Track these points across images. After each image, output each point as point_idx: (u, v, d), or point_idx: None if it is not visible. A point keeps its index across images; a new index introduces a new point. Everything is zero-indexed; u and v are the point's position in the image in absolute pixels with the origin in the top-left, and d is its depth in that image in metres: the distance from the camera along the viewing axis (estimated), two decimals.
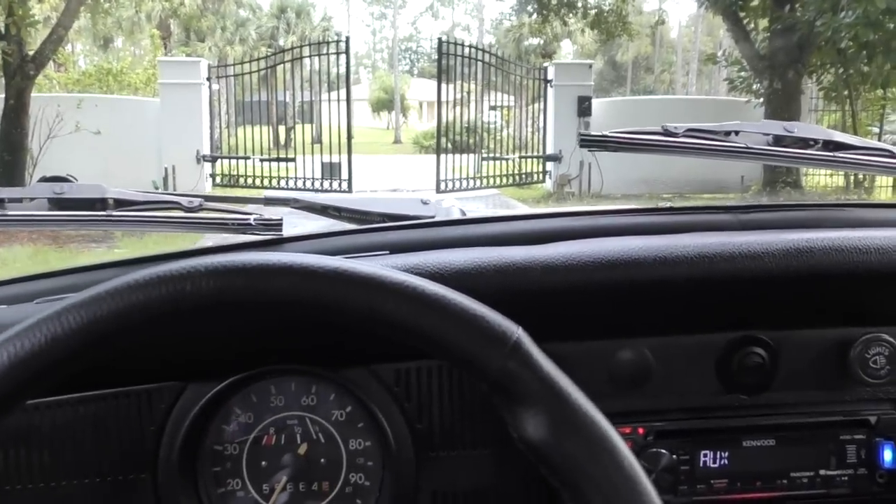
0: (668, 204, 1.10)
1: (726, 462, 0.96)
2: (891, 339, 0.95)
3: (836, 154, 1.13)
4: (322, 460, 0.94)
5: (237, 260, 0.62)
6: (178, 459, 0.90)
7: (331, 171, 14.16)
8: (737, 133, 1.11)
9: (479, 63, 14.61)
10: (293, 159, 14.25)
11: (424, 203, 1.24)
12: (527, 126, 15.68)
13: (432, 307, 0.62)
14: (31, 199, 1.07)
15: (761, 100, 14.41)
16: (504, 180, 14.98)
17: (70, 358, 0.59)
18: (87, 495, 0.90)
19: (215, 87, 14.79)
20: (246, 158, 14.55)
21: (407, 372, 0.92)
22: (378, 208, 1.20)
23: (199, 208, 1.09)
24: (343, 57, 14.14)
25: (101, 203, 1.07)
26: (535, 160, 15.26)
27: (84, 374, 0.61)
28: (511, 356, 0.61)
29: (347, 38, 14.26)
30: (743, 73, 15.06)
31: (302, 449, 0.93)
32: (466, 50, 14.63)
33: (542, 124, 15.45)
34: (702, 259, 0.89)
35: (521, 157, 15.19)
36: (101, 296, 0.60)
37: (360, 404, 0.93)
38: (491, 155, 15.00)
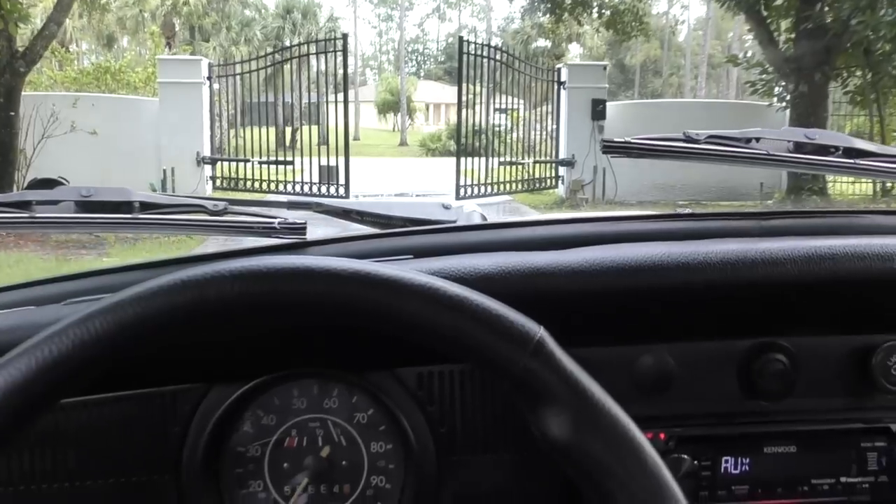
0: (689, 210, 1.14)
1: (748, 468, 0.99)
2: None
3: (858, 161, 1.17)
4: (343, 462, 0.97)
5: (259, 264, 0.65)
6: (201, 461, 0.93)
7: (328, 175, 14.08)
8: (758, 140, 1.15)
9: (498, 63, 14.58)
10: (291, 162, 14.23)
11: (446, 207, 1.29)
12: (542, 129, 15.63)
13: (454, 308, 0.65)
14: (59, 201, 1.12)
15: (783, 104, 14.32)
16: (518, 186, 14.95)
17: (96, 362, 0.62)
18: (110, 496, 0.93)
19: (216, 86, 14.80)
20: (246, 161, 14.55)
21: (430, 375, 0.96)
22: (400, 212, 1.24)
23: (224, 212, 1.13)
24: (342, 55, 14.11)
25: (126, 206, 1.11)
26: (547, 165, 15.24)
27: (108, 375, 0.64)
28: (534, 356, 0.64)
29: (345, 36, 14.17)
30: (764, 76, 14.98)
31: (324, 451, 0.97)
32: (485, 49, 14.57)
33: (554, 127, 15.42)
34: (724, 265, 0.92)
35: (535, 162, 15.17)
36: (126, 300, 0.63)
37: (383, 407, 0.97)
38: (508, 160, 14.95)
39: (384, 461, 0.98)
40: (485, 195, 14.43)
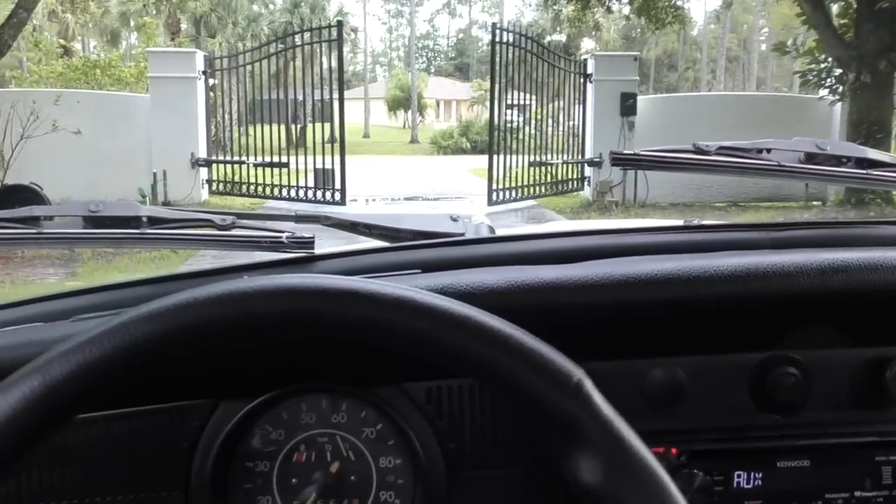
0: (698, 222, 1.22)
1: (760, 483, 1.06)
2: None
3: (871, 172, 1.25)
4: (352, 477, 1.05)
5: (304, 282, 0.71)
6: (210, 476, 1.01)
7: (324, 178, 13.98)
8: (769, 150, 1.23)
9: (530, 54, 14.47)
10: (286, 164, 14.14)
11: (454, 220, 1.37)
12: (567, 126, 15.47)
13: (495, 342, 0.69)
14: (66, 216, 1.21)
15: (836, 96, 14.03)
16: (548, 188, 14.86)
17: (106, 382, 0.68)
18: None
19: (212, 81, 14.78)
20: (241, 163, 14.54)
21: (438, 390, 1.03)
22: (408, 225, 1.32)
23: (232, 226, 1.22)
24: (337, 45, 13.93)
25: (135, 220, 1.20)
26: (572, 166, 15.14)
27: (118, 391, 0.69)
28: (572, 398, 0.69)
29: (340, 23, 14.08)
30: (814, 66, 14.70)
31: (333, 466, 1.05)
32: (519, 39, 14.45)
33: (575, 124, 15.31)
34: (735, 278, 0.99)
35: (564, 163, 15.07)
36: (140, 318, 0.69)
37: (391, 422, 1.04)
38: (537, 159, 14.80)
39: (393, 476, 1.05)
40: (517, 199, 14.33)
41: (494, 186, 14.05)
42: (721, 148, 1.23)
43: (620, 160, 1.19)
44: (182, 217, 1.24)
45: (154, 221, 1.22)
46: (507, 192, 14.29)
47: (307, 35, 14.66)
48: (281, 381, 1.04)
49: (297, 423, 1.06)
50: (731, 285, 0.99)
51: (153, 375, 0.70)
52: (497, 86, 14.12)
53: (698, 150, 1.22)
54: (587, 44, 48.77)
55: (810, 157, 1.25)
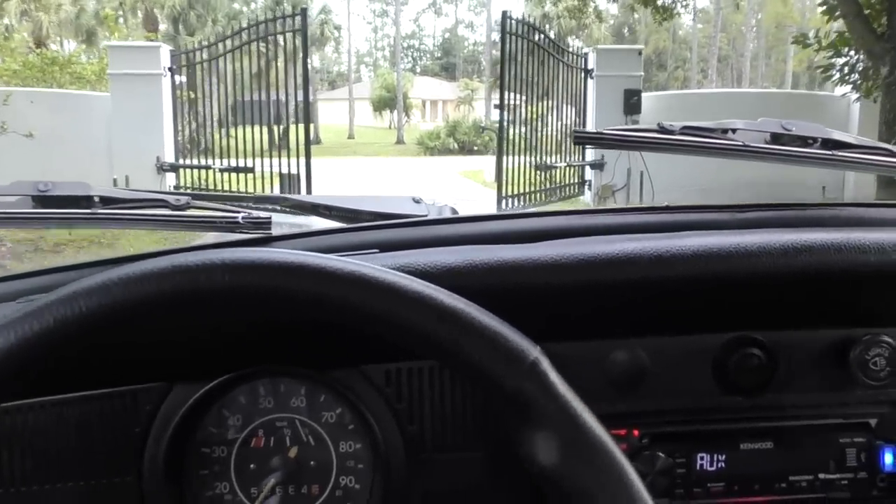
0: (666, 203, 1.29)
1: (723, 465, 1.13)
2: (891, 341, 1.12)
3: (836, 153, 1.32)
4: (312, 463, 1.11)
5: (261, 257, 0.74)
6: (163, 462, 1.06)
7: (289, 184, 13.85)
8: (734, 131, 1.30)
9: (537, 47, 14.31)
10: (252, 170, 13.93)
11: (416, 202, 1.43)
12: (567, 124, 15.19)
13: (451, 320, 0.73)
14: (14, 196, 1.26)
15: (860, 93, 13.93)
16: (548, 195, 14.71)
17: (39, 358, 0.71)
18: (70, 499, 1.06)
19: (180, 79, 14.57)
20: (207, 168, 14.37)
21: (398, 372, 1.09)
22: (369, 207, 1.39)
23: (187, 206, 1.28)
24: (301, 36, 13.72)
25: (86, 200, 1.26)
26: (571, 168, 15.06)
27: (68, 374, 0.75)
28: (528, 377, 0.73)
29: (304, 10, 13.86)
30: (834, 60, 14.57)
31: (292, 451, 1.11)
32: (530, 31, 14.28)
33: (582, 123, 15.12)
34: (698, 259, 1.05)
35: (568, 165, 14.98)
36: (75, 293, 0.72)
37: (351, 406, 1.11)
38: (546, 163, 14.61)
39: (353, 461, 1.12)
40: (526, 206, 14.07)
41: (504, 193, 13.88)
42: (685, 127, 1.29)
43: (583, 139, 1.26)
44: (135, 197, 1.29)
45: (106, 202, 1.27)
46: (516, 200, 14.10)
47: (272, 26, 14.27)
48: (236, 364, 1.09)
49: (254, 407, 1.11)
50: (694, 265, 1.05)
51: (97, 357, 0.77)
52: (506, 81, 13.93)
53: (663, 130, 1.29)
54: (576, 43, 49.27)
55: (776, 138, 1.32)
